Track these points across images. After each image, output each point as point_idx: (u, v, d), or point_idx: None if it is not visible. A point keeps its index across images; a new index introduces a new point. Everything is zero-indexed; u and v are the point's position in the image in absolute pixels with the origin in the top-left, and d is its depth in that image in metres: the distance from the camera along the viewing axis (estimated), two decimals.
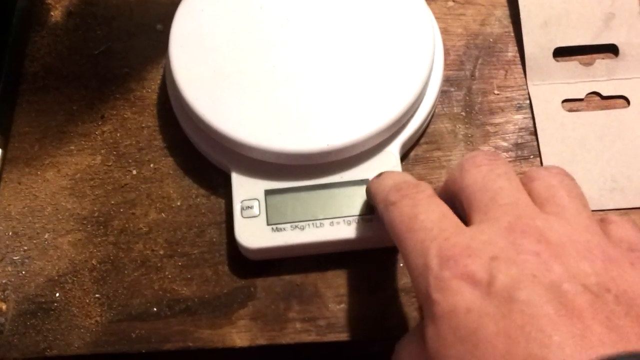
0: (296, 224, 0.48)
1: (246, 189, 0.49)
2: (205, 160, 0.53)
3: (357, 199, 0.49)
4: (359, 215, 0.48)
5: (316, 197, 0.49)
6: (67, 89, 0.57)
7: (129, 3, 0.61)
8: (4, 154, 0.53)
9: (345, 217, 0.48)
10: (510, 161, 0.52)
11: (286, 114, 0.49)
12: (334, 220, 0.48)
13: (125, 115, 0.55)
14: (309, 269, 0.49)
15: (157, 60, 0.58)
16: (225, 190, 0.51)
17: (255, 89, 0.50)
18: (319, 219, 0.48)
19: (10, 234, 0.51)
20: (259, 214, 0.48)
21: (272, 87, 0.50)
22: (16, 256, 0.50)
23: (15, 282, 0.49)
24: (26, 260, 0.50)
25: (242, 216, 0.48)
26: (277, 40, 0.51)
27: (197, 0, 0.54)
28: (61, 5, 0.61)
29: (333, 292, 0.48)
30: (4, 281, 0.49)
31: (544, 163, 0.51)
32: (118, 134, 0.55)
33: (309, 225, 0.48)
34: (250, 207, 0.48)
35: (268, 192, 0.49)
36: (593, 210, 0.48)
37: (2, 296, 0.48)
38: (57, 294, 0.48)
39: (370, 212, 0.48)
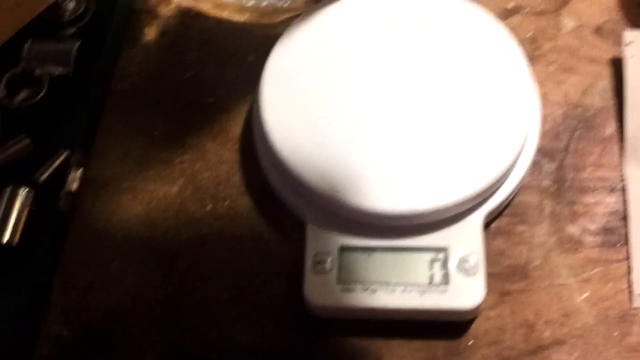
0: (367, 286, 0.46)
1: (321, 243, 0.48)
2: (281, 205, 0.51)
3: (433, 266, 0.47)
4: (433, 284, 0.46)
5: (391, 259, 0.47)
6: (151, 112, 0.56)
7: (223, 29, 0.60)
8: (84, 172, 0.53)
9: (419, 284, 0.46)
10: (596, 247, 0.49)
11: (371, 170, 0.48)
12: (407, 287, 0.46)
13: (206, 147, 0.55)
14: (374, 334, 0.47)
15: (245, 93, 0.57)
16: (297, 239, 0.50)
17: (343, 140, 0.49)
18: (392, 285, 0.46)
19: (79, 259, 0.50)
20: (330, 270, 0.47)
21: (359, 140, 0.48)
22: (82, 283, 0.49)
23: (78, 309, 0.49)
24: (91, 289, 0.49)
25: (313, 271, 0.47)
26: (371, 91, 0.50)
27: (297, 38, 0.53)
28: (156, 23, 0.61)
29: None
30: (66, 307, 0.49)
31: (633, 252, 0.49)
32: (197, 165, 0.54)
33: (380, 288, 0.46)
34: (323, 262, 0.47)
35: (343, 249, 0.48)
36: None
37: (64, 321, 0.48)
38: (117, 328, 0.48)
39: (445, 282, 0.46)
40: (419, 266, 0.47)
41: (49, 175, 0.51)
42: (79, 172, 0.53)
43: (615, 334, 0.47)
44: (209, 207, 0.52)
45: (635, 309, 0.47)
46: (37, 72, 0.54)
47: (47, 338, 0.48)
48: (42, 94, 0.53)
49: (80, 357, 0.47)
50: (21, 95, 0.54)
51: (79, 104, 0.55)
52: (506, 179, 0.50)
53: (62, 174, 0.52)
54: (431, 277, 0.47)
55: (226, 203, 0.52)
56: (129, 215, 0.52)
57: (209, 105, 0.57)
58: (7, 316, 0.46)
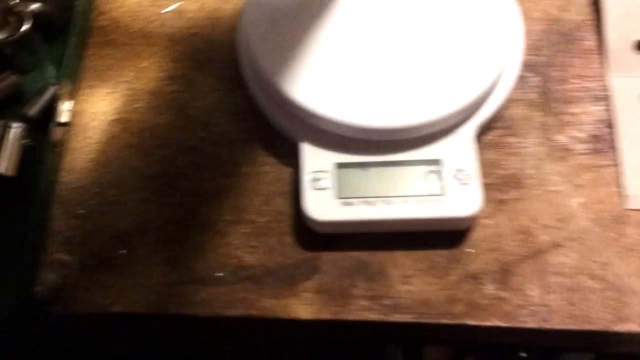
0: (367, 199, 0.47)
1: (316, 161, 0.48)
2: (273, 128, 0.52)
3: (429, 178, 0.48)
4: (431, 195, 0.47)
5: (388, 173, 0.48)
6: (135, 46, 0.56)
7: None
8: (74, 106, 0.53)
9: (417, 196, 0.47)
10: (585, 153, 0.51)
11: (362, 87, 0.48)
12: (404, 198, 0.47)
13: (193, 77, 0.55)
14: (376, 247, 0.48)
15: (228, 21, 0.57)
16: (292, 160, 0.50)
17: (332, 59, 0.49)
18: (390, 196, 0.47)
19: (77, 187, 0.50)
20: (328, 187, 0.47)
21: (349, 58, 0.49)
22: (82, 210, 0.49)
23: (80, 236, 0.49)
24: (92, 215, 0.49)
25: (311, 188, 0.47)
26: (359, 11, 0.50)
27: None
28: None
29: (400, 272, 0.47)
30: (68, 234, 0.49)
31: (622, 158, 0.50)
32: (187, 95, 0.54)
33: (379, 201, 0.47)
34: (319, 180, 0.48)
35: (339, 165, 0.48)
36: None
37: (67, 249, 0.48)
38: (122, 251, 0.48)
39: (442, 193, 0.47)
40: (415, 178, 0.48)
41: (39, 111, 0.51)
42: (68, 105, 0.52)
43: (611, 235, 0.48)
44: (202, 134, 0.52)
45: (628, 210, 0.49)
46: (19, 8, 0.53)
47: (51, 265, 0.48)
48: (24, 29, 0.53)
49: (86, 281, 0.47)
50: (4, 33, 0.53)
51: (62, 40, 0.54)
52: (494, 92, 0.51)
53: (51, 108, 0.51)
54: (428, 189, 0.47)
55: (219, 130, 0.52)
56: (122, 145, 0.52)
57: (192, 35, 0.56)
58: (9, 247, 0.46)
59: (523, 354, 0.86)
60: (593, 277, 0.46)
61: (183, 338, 0.57)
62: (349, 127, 0.48)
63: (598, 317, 0.45)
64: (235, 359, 0.84)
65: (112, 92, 0.54)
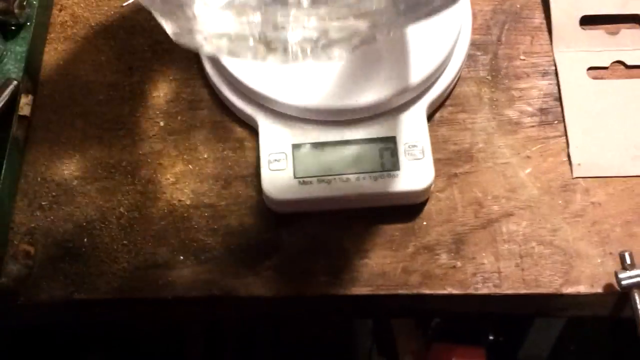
0: (323, 177, 0.48)
1: (274, 143, 0.50)
2: (233, 114, 0.53)
3: (383, 155, 0.49)
4: (385, 171, 0.48)
5: (344, 152, 0.49)
6: (95, 39, 0.57)
7: None
8: (34, 100, 0.54)
9: (371, 172, 0.49)
10: (534, 126, 0.52)
11: (316, 70, 0.49)
12: (360, 176, 0.49)
13: (153, 68, 0.56)
14: (334, 224, 0.49)
15: None
16: (252, 145, 0.52)
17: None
18: (346, 174, 0.48)
19: (39, 179, 0.51)
20: (285, 167, 0.49)
21: None
22: (44, 201, 0.50)
23: (44, 227, 0.50)
24: (54, 206, 0.50)
25: (269, 169, 0.49)
26: None
27: None
28: None
29: (357, 247, 0.49)
30: (32, 225, 0.50)
31: (568, 129, 0.52)
32: (146, 86, 0.55)
33: (335, 179, 0.48)
34: (278, 160, 0.49)
35: (296, 146, 0.50)
36: (614, 177, 0.49)
37: (31, 240, 0.49)
38: (85, 240, 0.49)
39: (396, 168, 0.48)
40: (370, 155, 0.49)
41: (1, 105, 0.51)
42: (29, 99, 0.53)
43: (559, 202, 0.50)
44: (162, 123, 0.53)
45: (576, 178, 0.50)
46: None
47: (15, 257, 0.48)
48: None
49: (50, 271, 0.48)
50: None
51: (22, 36, 0.55)
52: (444, 70, 0.52)
53: (13, 103, 0.52)
54: (382, 165, 0.49)
55: (179, 118, 0.53)
56: (83, 137, 0.53)
57: (152, 28, 0.57)
58: None
59: (491, 337, 0.89)
60: (543, 243, 0.48)
61: (148, 323, 0.58)
62: (304, 109, 0.49)
63: (548, 280, 0.47)
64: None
65: (73, 86, 0.55)
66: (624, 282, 0.45)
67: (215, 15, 0.44)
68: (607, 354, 0.84)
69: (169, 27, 0.46)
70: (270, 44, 0.44)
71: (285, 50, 0.45)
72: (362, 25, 0.40)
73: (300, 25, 0.42)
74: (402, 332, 0.77)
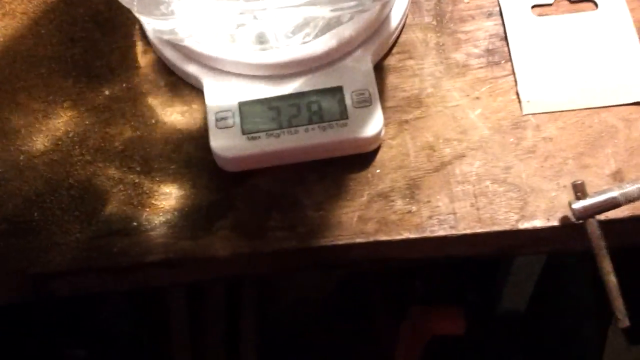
0: (272, 131, 0.48)
1: (220, 101, 0.49)
2: (178, 77, 0.52)
3: (331, 105, 0.49)
4: (334, 120, 0.48)
5: (290, 105, 0.49)
6: (34, 13, 0.56)
7: None
8: None
9: (319, 123, 0.48)
10: (482, 67, 0.52)
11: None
12: (308, 127, 0.48)
13: (95, 37, 0.55)
14: (288, 179, 0.49)
15: None
16: (199, 107, 0.51)
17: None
18: (294, 126, 0.48)
19: None
20: (233, 125, 0.48)
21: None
22: None
23: None
24: (2, 182, 0.49)
25: (217, 127, 0.48)
26: None
27: None
28: None
29: (312, 200, 0.48)
30: None
31: (515, 67, 0.52)
32: (89, 56, 0.54)
33: (283, 132, 0.48)
34: (225, 119, 0.49)
35: (242, 103, 0.49)
36: (565, 111, 0.49)
37: None
38: (36, 214, 0.48)
39: (345, 117, 0.48)
40: (318, 106, 0.49)
41: None
42: None
43: (510, 140, 0.50)
44: (107, 92, 0.53)
45: (526, 115, 0.50)
46: None
47: None
48: None
49: (6, 247, 0.47)
50: None
51: None
52: (387, 17, 0.52)
53: None
54: (331, 115, 0.48)
55: (124, 85, 0.53)
56: (28, 111, 0.52)
57: None
58: None
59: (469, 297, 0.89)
60: (496, 181, 0.48)
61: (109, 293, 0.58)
62: (248, 65, 0.49)
63: (504, 218, 0.47)
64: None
65: (14, 62, 0.54)
66: (578, 212, 0.45)
67: (193, 9, 0.46)
68: (583, 307, 0.85)
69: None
70: (248, 32, 0.47)
71: (262, 37, 0.48)
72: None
73: (276, 14, 0.45)
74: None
